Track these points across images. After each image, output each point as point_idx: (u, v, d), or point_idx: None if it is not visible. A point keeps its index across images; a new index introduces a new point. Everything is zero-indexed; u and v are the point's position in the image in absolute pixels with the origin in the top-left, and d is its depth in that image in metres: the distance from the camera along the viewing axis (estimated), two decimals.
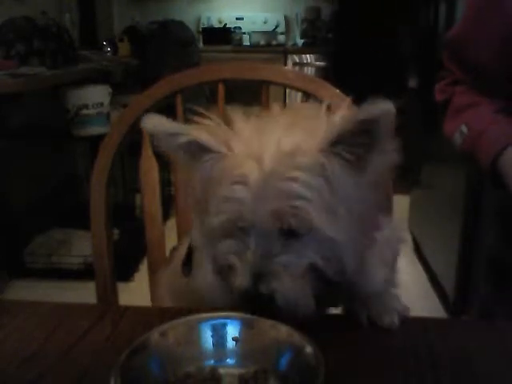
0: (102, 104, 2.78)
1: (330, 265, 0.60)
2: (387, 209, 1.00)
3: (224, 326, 0.62)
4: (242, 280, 0.60)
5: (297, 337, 0.58)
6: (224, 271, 0.64)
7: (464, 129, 1.09)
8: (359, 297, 0.70)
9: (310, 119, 0.63)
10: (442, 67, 1.20)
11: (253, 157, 0.59)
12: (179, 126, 0.63)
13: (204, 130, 0.62)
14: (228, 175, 0.60)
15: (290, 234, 0.59)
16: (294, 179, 0.58)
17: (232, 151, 0.61)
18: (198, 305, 0.72)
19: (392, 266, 0.74)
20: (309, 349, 0.56)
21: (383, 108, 0.56)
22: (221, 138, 0.62)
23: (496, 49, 1.04)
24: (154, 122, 0.63)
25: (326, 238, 0.58)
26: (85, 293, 1.31)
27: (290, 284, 0.59)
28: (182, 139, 0.62)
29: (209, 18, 5.21)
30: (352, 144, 0.59)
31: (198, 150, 0.63)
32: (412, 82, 3.44)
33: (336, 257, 0.60)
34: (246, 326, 0.62)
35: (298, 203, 0.57)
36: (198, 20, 5.22)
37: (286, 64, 4.58)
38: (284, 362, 0.58)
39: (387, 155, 0.60)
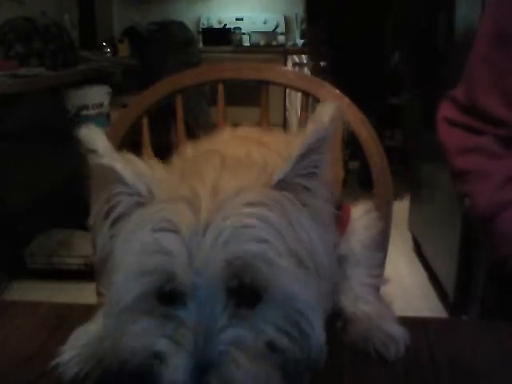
0: (101, 104, 2.78)
1: (292, 341, 0.45)
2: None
3: None
4: (177, 374, 0.41)
5: None
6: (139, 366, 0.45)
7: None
8: (354, 329, 0.66)
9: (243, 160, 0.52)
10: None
11: (184, 199, 0.46)
12: (106, 147, 0.52)
13: (129, 165, 0.50)
14: (147, 222, 0.45)
15: (240, 301, 0.44)
16: (248, 215, 0.44)
17: (153, 196, 0.48)
18: None
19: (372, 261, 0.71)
20: None
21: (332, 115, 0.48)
22: (142, 179, 0.49)
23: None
24: (92, 135, 0.55)
25: (290, 298, 0.44)
26: (85, 293, 1.31)
27: (248, 369, 0.41)
28: (99, 160, 0.51)
29: (208, 19, 5.22)
30: (302, 177, 0.49)
31: (110, 180, 0.50)
32: (411, 80, 3.44)
33: (300, 328, 0.45)
34: None
35: (255, 248, 0.43)
36: (198, 20, 5.22)
37: (285, 64, 4.59)
38: None
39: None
